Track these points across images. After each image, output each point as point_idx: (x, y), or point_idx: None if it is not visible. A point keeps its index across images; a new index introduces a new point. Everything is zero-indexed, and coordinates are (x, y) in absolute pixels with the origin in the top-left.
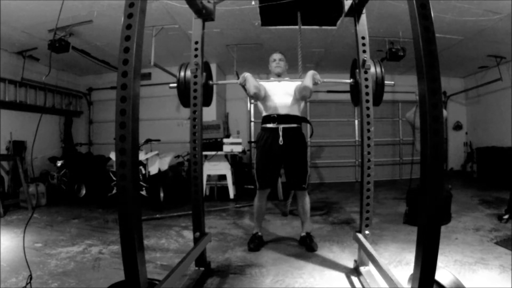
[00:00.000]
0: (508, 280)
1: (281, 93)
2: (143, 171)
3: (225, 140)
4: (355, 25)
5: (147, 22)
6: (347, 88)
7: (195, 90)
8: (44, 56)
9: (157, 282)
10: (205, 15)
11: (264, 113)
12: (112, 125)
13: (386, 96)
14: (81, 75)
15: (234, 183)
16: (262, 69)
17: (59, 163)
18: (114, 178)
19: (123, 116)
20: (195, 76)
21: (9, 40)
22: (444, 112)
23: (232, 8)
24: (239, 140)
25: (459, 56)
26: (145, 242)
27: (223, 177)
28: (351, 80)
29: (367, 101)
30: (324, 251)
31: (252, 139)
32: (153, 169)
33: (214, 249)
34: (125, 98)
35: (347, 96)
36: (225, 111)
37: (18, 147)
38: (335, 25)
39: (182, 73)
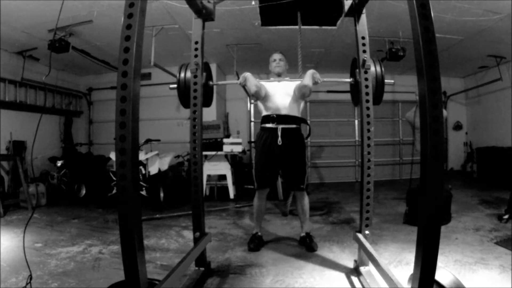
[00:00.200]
0: (508, 280)
1: (281, 93)
2: (143, 171)
3: (225, 140)
4: (355, 25)
5: (147, 22)
6: (347, 88)
7: (195, 90)
8: (44, 56)
9: (157, 282)
10: (205, 15)
11: (263, 113)
12: (112, 125)
13: (386, 96)
14: (81, 75)
15: (234, 183)
16: (262, 69)
17: (59, 163)
18: (114, 178)
19: (123, 116)
20: (195, 76)
21: (9, 40)
22: (444, 112)
23: (232, 8)
24: (239, 140)
25: (459, 56)
26: (145, 242)
27: (223, 177)
28: (351, 79)
29: (367, 101)
30: (324, 251)
31: (252, 139)
32: (153, 169)
33: (214, 249)
34: (125, 98)
35: (347, 96)
36: (225, 111)
37: (18, 147)
38: (335, 25)
39: (182, 74)
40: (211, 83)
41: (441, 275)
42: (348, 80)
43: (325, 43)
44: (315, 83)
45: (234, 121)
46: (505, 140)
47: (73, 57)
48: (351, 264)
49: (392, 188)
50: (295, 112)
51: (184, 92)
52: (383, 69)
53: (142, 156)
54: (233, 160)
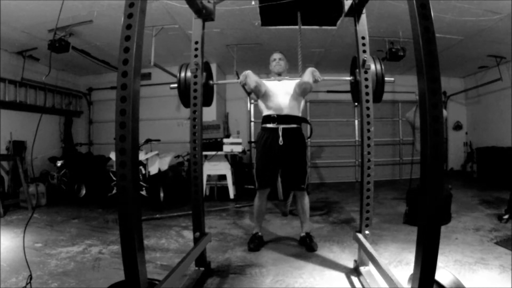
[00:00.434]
0: (508, 280)
1: (282, 93)
2: (143, 171)
3: (225, 140)
4: (355, 25)
5: (147, 22)
6: (347, 88)
7: (195, 90)
8: (44, 56)
9: (157, 282)
10: (205, 15)
11: (264, 113)
12: (112, 125)
13: (386, 96)
14: (81, 75)
15: (234, 183)
16: (262, 69)
17: (59, 163)
18: (114, 178)
19: (123, 116)
20: (195, 76)
21: (9, 40)
22: (444, 112)
23: (232, 8)
24: (239, 140)
25: (459, 56)
26: (145, 242)
27: (223, 177)
28: (351, 77)
29: (367, 101)
30: (324, 251)
31: (252, 139)
32: (153, 169)
33: (214, 249)
34: (125, 98)
35: (347, 96)
36: (225, 111)
37: (18, 147)
38: (335, 25)
39: (182, 74)
40: (211, 82)
41: (441, 275)
42: (348, 78)
43: (325, 43)
44: (315, 81)
45: (234, 121)
46: (505, 140)
47: (73, 57)
48: (351, 264)
49: (392, 188)
50: (296, 112)
51: (184, 92)
52: (383, 67)
53: (142, 156)
54: (233, 160)
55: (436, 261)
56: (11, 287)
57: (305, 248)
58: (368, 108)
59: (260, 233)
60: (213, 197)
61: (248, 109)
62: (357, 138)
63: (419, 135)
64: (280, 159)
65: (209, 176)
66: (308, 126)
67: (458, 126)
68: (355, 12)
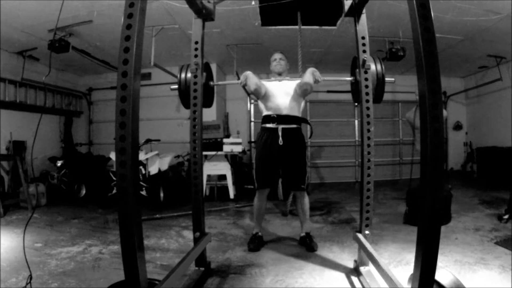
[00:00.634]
0: (508, 280)
1: (282, 93)
2: (143, 171)
3: (225, 140)
4: (355, 25)
5: (147, 22)
6: (347, 88)
7: (195, 90)
8: (44, 56)
9: (157, 282)
10: (205, 15)
11: (264, 113)
12: (112, 125)
13: (386, 96)
14: (81, 75)
15: (234, 183)
16: (262, 69)
17: (59, 163)
18: (114, 178)
19: (123, 116)
20: (195, 76)
21: (9, 40)
22: (444, 112)
23: (232, 8)
24: (239, 140)
25: (459, 56)
26: (145, 242)
27: (223, 177)
28: (352, 77)
29: (367, 101)
30: (324, 251)
31: (252, 139)
32: (153, 169)
33: (214, 249)
34: (125, 98)
35: (347, 96)
36: (225, 111)
37: (18, 147)
38: (335, 25)
39: (183, 75)
40: (211, 83)
41: (441, 275)
42: (349, 78)
43: (325, 43)
44: (315, 81)
45: (234, 121)
46: (505, 140)
47: (73, 57)
48: (351, 264)
49: (392, 188)
50: (296, 112)
51: (185, 93)
52: (383, 67)
53: (142, 156)
54: (233, 160)
55: (436, 261)
56: (11, 287)
57: (305, 248)
58: (368, 108)
59: (260, 233)
60: (213, 197)
61: (248, 109)
62: (357, 138)
63: (419, 135)
64: (279, 159)
65: (209, 176)
66: (308, 127)
67: (458, 126)
68: (355, 12)
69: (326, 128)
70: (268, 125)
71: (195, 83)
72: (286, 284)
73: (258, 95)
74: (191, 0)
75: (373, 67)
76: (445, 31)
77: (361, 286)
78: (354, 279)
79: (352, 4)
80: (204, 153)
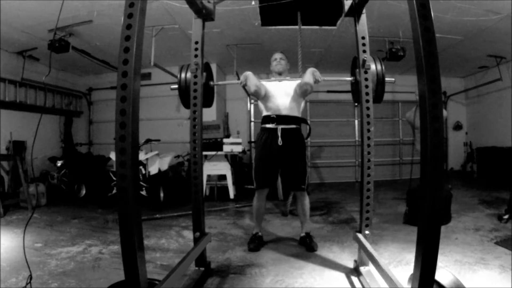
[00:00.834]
0: (508, 280)
1: (281, 94)
2: (143, 171)
3: (225, 140)
4: (355, 25)
5: (147, 22)
6: (347, 88)
7: (195, 90)
8: (44, 56)
9: (157, 282)
10: (205, 15)
11: (264, 113)
12: (112, 125)
13: (386, 96)
14: (81, 75)
15: (234, 183)
16: (262, 69)
17: (59, 163)
18: (114, 178)
19: (123, 116)
20: (195, 76)
21: (9, 40)
22: (444, 112)
23: (232, 8)
24: (239, 140)
25: (459, 56)
26: (145, 242)
27: (223, 177)
28: (352, 78)
29: (367, 101)
30: (324, 251)
31: (252, 139)
32: (153, 169)
33: (214, 249)
34: (125, 98)
35: (347, 96)
36: (225, 111)
37: (18, 147)
38: (335, 25)
39: (183, 75)
40: (211, 83)
41: (441, 275)
42: (349, 78)
43: (325, 43)
44: (315, 81)
45: (234, 121)
46: (505, 140)
47: (73, 57)
48: (351, 264)
49: (392, 188)
50: (295, 112)
51: (185, 93)
52: (383, 67)
53: (142, 156)
54: (233, 160)
55: (436, 261)
56: (11, 287)
57: (305, 248)
58: (368, 108)
59: (260, 233)
60: (213, 197)
61: (248, 109)
62: (357, 138)
63: (419, 135)
64: (279, 160)
65: (209, 176)
66: (307, 127)
67: (458, 126)
68: (355, 12)
69: (326, 128)
70: (267, 126)
71: (195, 83)
72: (286, 284)
73: (258, 96)
74: (191, 0)
75: (373, 67)
76: (445, 31)
77: (361, 286)
78: (354, 279)
79: (352, 4)
80: (204, 153)
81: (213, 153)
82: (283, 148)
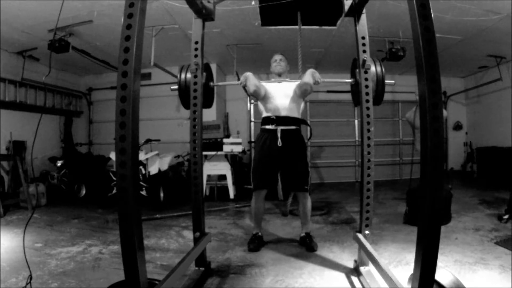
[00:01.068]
0: (508, 280)
1: (281, 95)
2: (143, 171)
3: (225, 140)
4: (355, 25)
5: (147, 22)
6: (347, 88)
7: (195, 90)
8: (44, 56)
9: (157, 282)
10: (205, 15)
11: (263, 114)
12: (112, 125)
13: (386, 96)
14: (81, 75)
15: (234, 183)
16: (262, 69)
17: (59, 163)
18: (114, 178)
19: (123, 116)
20: (195, 76)
21: (9, 40)
22: (444, 112)
23: (232, 8)
24: (239, 140)
25: (459, 56)
26: (145, 242)
27: (223, 177)
28: (352, 79)
29: (367, 101)
30: (324, 251)
31: (252, 139)
32: (153, 169)
33: (214, 249)
34: (125, 98)
35: (347, 96)
36: (225, 111)
37: (18, 147)
38: (335, 25)
39: (183, 75)
40: (211, 84)
41: (441, 275)
42: (349, 80)
43: (325, 43)
44: (315, 82)
45: (234, 121)
46: (505, 140)
47: (73, 57)
48: (351, 264)
49: (392, 188)
50: (295, 113)
51: (185, 93)
52: (383, 69)
53: (142, 156)
54: (233, 160)
55: (436, 261)
56: (11, 287)
57: (305, 248)
58: (368, 108)
59: (260, 233)
60: (213, 197)
61: (248, 109)
62: (357, 138)
63: (419, 135)
64: (279, 161)
65: (209, 176)
66: (308, 128)
67: (458, 126)
68: (355, 12)
69: (326, 128)
70: (267, 127)
71: (195, 83)
72: (286, 284)
73: (258, 96)
74: (191, 0)
75: (373, 68)
76: (445, 31)
77: (361, 286)
78: (354, 279)
79: (352, 4)
80: (204, 153)
81: (213, 153)
82: (282, 149)
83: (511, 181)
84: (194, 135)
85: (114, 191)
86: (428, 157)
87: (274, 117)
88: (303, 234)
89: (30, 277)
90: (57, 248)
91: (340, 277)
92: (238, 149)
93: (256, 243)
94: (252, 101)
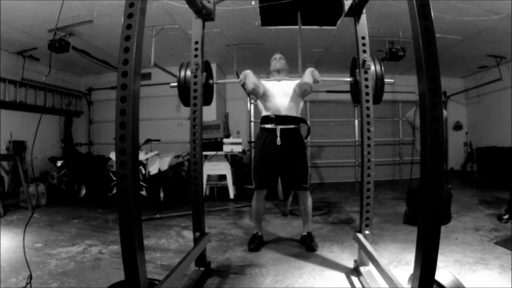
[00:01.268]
0: (508, 280)
1: (281, 94)
2: (143, 171)
3: (225, 140)
4: (355, 25)
5: (147, 22)
6: (347, 88)
7: (195, 90)
8: (44, 56)
9: (157, 282)
10: (205, 15)
11: (263, 113)
12: (112, 125)
13: (386, 96)
14: (81, 75)
15: (234, 183)
16: (262, 69)
17: (59, 163)
18: (114, 178)
19: (123, 116)
20: (195, 76)
21: (9, 40)
22: (444, 112)
23: (232, 8)
24: (239, 140)
25: (459, 56)
26: (145, 242)
27: (223, 177)
28: (351, 78)
29: (367, 101)
30: (324, 251)
31: (252, 139)
32: (153, 169)
33: (214, 249)
34: (125, 98)
35: (347, 96)
36: (225, 111)
37: (18, 147)
38: (335, 25)
39: (182, 73)
40: (211, 81)
41: (441, 275)
42: (348, 79)
43: (325, 43)
44: (314, 81)
45: (234, 121)
46: (505, 140)
47: (73, 57)
48: (351, 264)
49: (392, 188)
50: (294, 113)
51: (184, 91)
52: (383, 68)
53: (142, 156)
54: (233, 160)
55: (436, 261)
56: (11, 287)
57: (305, 248)
58: (368, 108)
59: (260, 233)
60: (213, 197)
61: (248, 109)
62: (357, 138)
63: (419, 135)
64: (278, 160)
65: (209, 176)
66: (307, 126)
67: (458, 126)
68: (355, 12)
69: (326, 128)
70: (266, 126)
71: (195, 83)
72: (286, 284)
73: (257, 95)
74: (191, 0)
75: (372, 68)
76: (445, 31)
77: (361, 286)
78: (354, 279)
79: (352, 4)
80: (204, 153)
81: (213, 153)
82: (282, 148)
83: (511, 181)
84: (194, 135)
85: (114, 191)
86: (428, 157)
87: (273, 116)
88: (304, 233)
89: (30, 277)
90: (57, 248)
91: (340, 277)
92: (238, 149)
93: (256, 243)
94: (252, 101)
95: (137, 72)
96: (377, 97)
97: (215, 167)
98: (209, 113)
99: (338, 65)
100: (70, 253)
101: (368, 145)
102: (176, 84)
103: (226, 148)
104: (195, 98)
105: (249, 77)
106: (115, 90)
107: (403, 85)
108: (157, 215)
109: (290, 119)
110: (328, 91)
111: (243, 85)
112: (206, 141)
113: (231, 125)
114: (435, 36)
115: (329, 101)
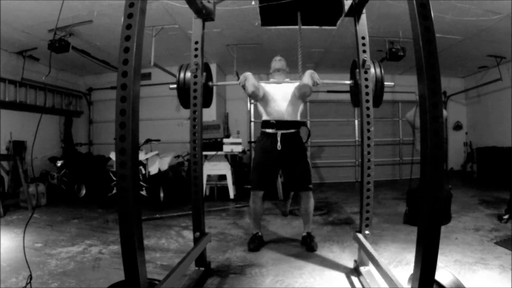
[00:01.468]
0: (508, 280)
1: (280, 97)
2: (143, 171)
3: (225, 140)
4: (355, 25)
5: (147, 22)
6: (347, 88)
7: (195, 90)
8: (44, 56)
9: (157, 282)
10: (205, 15)
11: (263, 117)
12: (112, 125)
13: (386, 96)
14: (81, 75)
15: (234, 183)
16: (262, 69)
17: (59, 163)
18: (114, 178)
19: (123, 116)
20: (195, 76)
21: (9, 40)
22: (444, 112)
23: (232, 8)
24: (239, 140)
25: (459, 56)
26: (145, 242)
27: (223, 177)
28: (351, 81)
29: (367, 101)
30: (324, 251)
31: (252, 139)
32: (153, 169)
33: (214, 249)
34: (125, 98)
35: (347, 96)
36: (225, 111)
37: (18, 147)
38: (335, 25)
39: (182, 74)
40: (211, 83)
41: (441, 275)
42: (348, 82)
43: (325, 43)
44: (314, 83)
45: (234, 121)
46: (505, 140)
47: (73, 57)
48: (351, 264)
49: (392, 188)
50: (295, 116)
51: (184, 92)
52: (383, 71)
53: (142, 156)
54: (233, 160)
55: (436, 261)
56: (11, 287)
57: (305, 248)
58: (368, 109)
59: (260, 233)
60: (213, 197)
61: (248, 109)
62: (357, 138)
63: (419, 135)
64: (278, 163)
65: (209, 176)
66: (307, 130)
67: (458, 126)
68: (355, 12)
69: (326, 128)
70: (267, 130)
71: (195, 83)
72: (286, 284)
73: (256, 97)
74: (191, 0)
75: (372, 71)
76: (445, 31)
77: (361, 286)
78: (354, 279)
79: (352, 4)
80: (204, 153)
81: (213, 153)
82: (282, 153)
83: (511, 181)
84: (194, 135)
85: (114, 191)
86: (428, 157)
87: (274, 121)
88: (305, 234)
89: (30, 277)
90: (57, 248)
91: (340, 277)
92: (238, 149)
93: (256, 243)
94: (252, 101)
95: (137, 72)
96: (377, 100)
97: (215, 167)
98: (209, 113)
99: (338, 65)
100: (70, 253)
101: (368, 145)
102: (175, 86)
103: (226, 148)
104: (195, 98)
105: (249, 79)
106: (115, 90)
107: (403, 85)
108: (157, 215)
109: (290, 124)
110: (328, 91)
111: (243, 87)
112: (206, 141)
113: (231, 125)
114: (435, 36)
115: (329, 101)
